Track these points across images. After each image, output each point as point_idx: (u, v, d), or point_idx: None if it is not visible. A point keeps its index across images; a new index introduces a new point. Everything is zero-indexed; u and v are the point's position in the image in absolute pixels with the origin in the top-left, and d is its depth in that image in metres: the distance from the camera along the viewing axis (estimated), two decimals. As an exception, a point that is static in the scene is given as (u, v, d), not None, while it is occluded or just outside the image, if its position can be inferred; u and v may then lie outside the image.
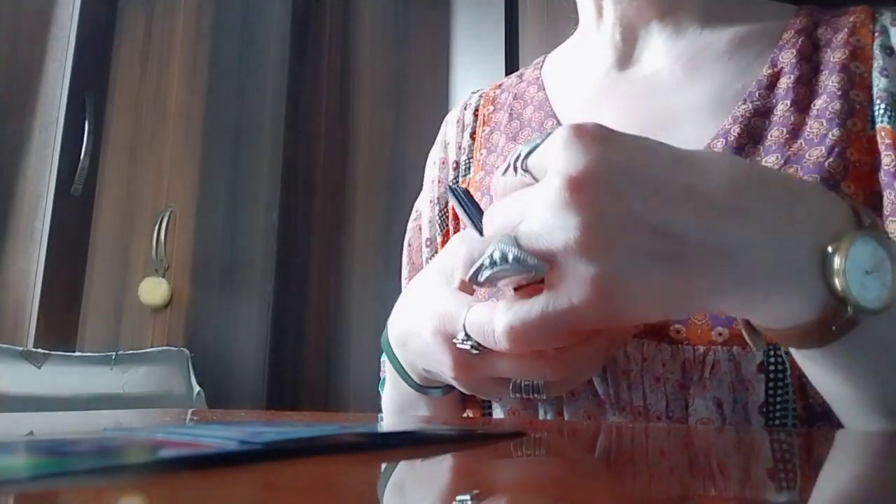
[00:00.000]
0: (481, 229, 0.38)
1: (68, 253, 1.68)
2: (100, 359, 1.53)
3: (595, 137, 0.32)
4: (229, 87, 1.89)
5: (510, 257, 0.32)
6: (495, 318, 0.35)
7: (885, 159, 0.48)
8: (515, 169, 0.35)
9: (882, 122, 0.50)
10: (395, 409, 0.56)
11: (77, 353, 1.58)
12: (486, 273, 0.33)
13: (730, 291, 0.31)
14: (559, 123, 0.64)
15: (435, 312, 0.41)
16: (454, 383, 0.42)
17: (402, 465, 0.21)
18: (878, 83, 0.51)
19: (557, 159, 0.31)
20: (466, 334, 0.38)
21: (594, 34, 0.64)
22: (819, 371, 0.36)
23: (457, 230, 0.70)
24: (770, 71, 0.55)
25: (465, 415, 0.56)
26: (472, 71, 1.73)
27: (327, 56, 1.95)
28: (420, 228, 0.73)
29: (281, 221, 1.78)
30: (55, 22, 1.75)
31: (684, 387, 0.44)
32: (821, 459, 0.26)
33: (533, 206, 0.32)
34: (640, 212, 0.30)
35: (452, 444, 0.26)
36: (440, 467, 0.21)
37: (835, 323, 0.31)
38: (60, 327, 1.65)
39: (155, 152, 1.84)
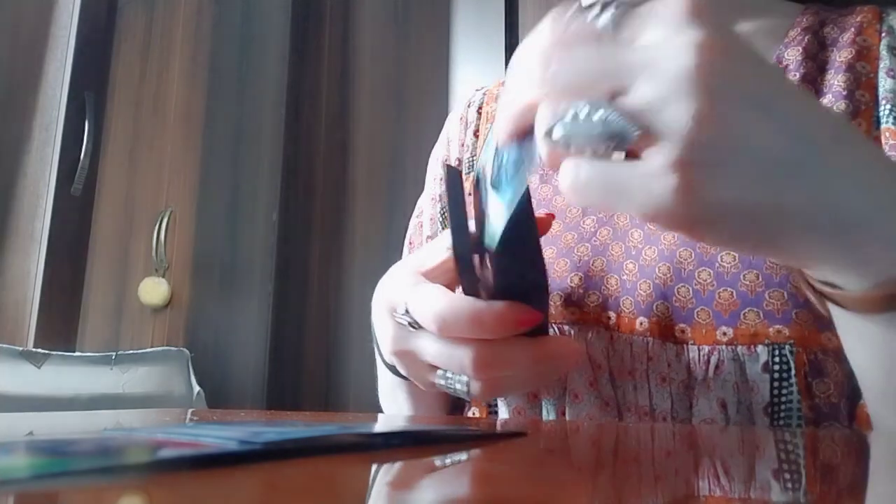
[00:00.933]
0: (462, 220, 0.36)
1: (68, 253, 1.68)
2: (100, 359, 1.53)
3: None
4: (229, 87, 1.89)
5: (600, 115, 0.27)
6: (434, 293, 0.35)
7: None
8: (603, 7, 0.30)
9: (887, 122, 0.49)
10: (383, 393, 0.56)
11: (77, 353, 1.58)
12: (560, 131, 0.28)
13: (829, 229, 0.28)
14: None
15: (392, 286, 0.41)
16: (392, 361, 0.42)
17: (402, 465, 0.21)
18: (885, 83, 0.50)
19: (685, 20, 0.27)
20: (406, 310, 0.37)
21: None
22: (878, 342, 0.32)
23: None
24: None
25: (469, 413, 0.55)
26: (473, 70, 1.73)
27: (327, 56, 1.95)
28: (421, 226, 0.73)
29: (281, 221, 1.77)
30: (55, 22, 1.75)
31: (689, 387, 0.44)
32: (827, 460, 0.25)
33: (645, 68, 0.27)
34: (775, 105, 0.27)
35: (453, 444, 0.26)
36: (440, 467, 0.21)
37: None
38: (60, 327, 1.65)
39: (155, 152, 1.84)
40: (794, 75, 0.53)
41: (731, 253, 0.46)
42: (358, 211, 1.83)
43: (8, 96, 1.67)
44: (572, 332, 0.50)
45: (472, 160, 0.72)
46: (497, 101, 0.74)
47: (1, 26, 1.69)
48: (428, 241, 0.72)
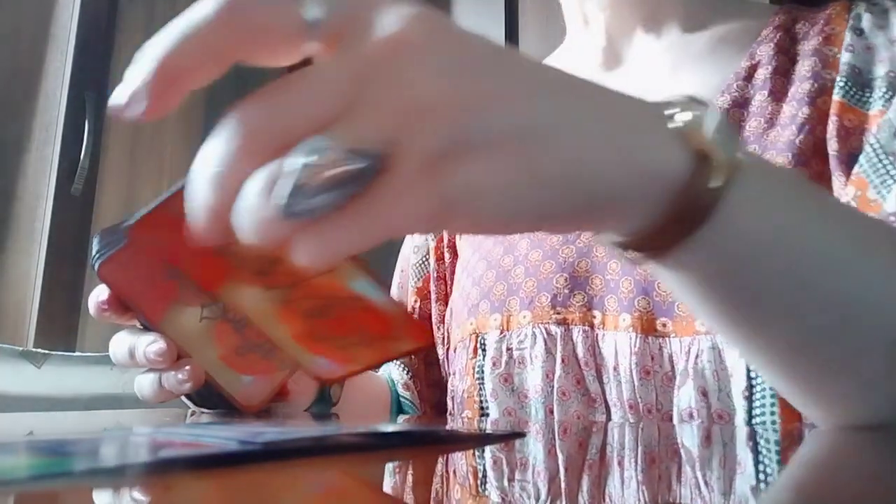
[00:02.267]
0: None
1: (68, 253, 1.68)
2: (100, 359, 1.53)
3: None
4: (229, 87, 1.89)
5: (328, 152, 0.20)
6: None
7: (829, 126, 0.49)
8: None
9: (837, 95, 0.50)
10: None
11: (77, 353, 1.58)
12: (291, 183, 0.20)
13: (572, 173, 0.24)
14: None
15: None
16: None
17: (401, 465, 0.21)
18: (843, 59, 0.52)
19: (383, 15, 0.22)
20: None
21: (581, 39, 0.65)
22: (698, 290, 0.29)
23: (451, 237, 0.70)
24: (748, 63, 0.56)
25: (463, 415, 0.56)
26: (472, 70, 1.72)
27: (327, 56, 1.95)
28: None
29: (281, 221, 1.77)
30: (55, 22, 1.75)
31: (671, 378, 0.46)
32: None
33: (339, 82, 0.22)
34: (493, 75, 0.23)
35: (452, 444, 0.26)
36: (440, 467, 0.21)
37: (704, 185, 0.25)
38: (60, 327, 1.65)
39: (155, 152, 1.84)
40: (767, 69, 0.54)
41: None
42: (358, 211, 1.82)
43: (8, 96, 1.67)
44: (559, 332, 0.51)
45: None
46: None
47: (1, 26, 1.69)
48: (415, 251, 0.73)
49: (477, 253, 0.63)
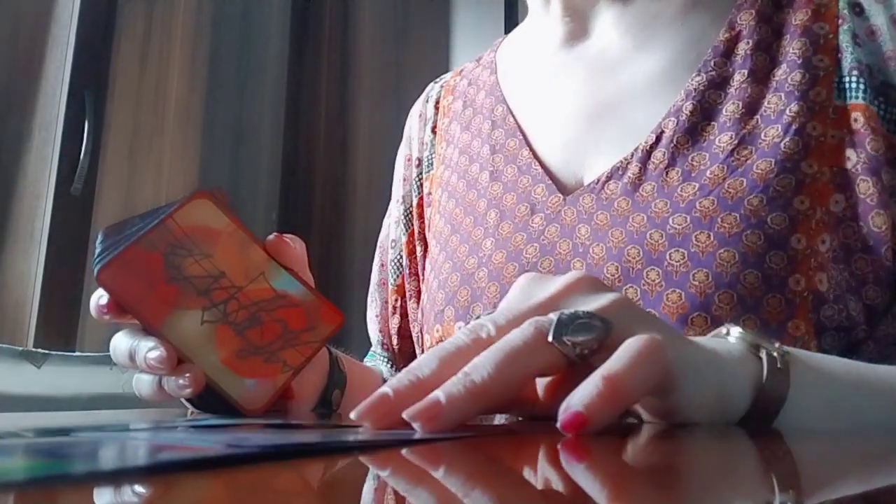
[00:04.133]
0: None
1: (68, 253, 1.68)
2: (100, 359, 1.53)
3: None
4: (229, 86, 1.89)
5: (580, 313, 0.30)
6: None
7: (869, 144, 0.46)
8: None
9: (857, 97, 0.47)
10: None
11: (77, 353, 1.58)
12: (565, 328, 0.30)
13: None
14: (508, 109, 0.63)
15: None
16: None
17: (401, 465, 0.21)
18: (850, 51, 0.48)
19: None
20: None
21: (543, 13, 0.62)
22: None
23: (422, 230, 0.69)
24: (727, 35, 0.52)
25: None
26: (473, 70, 1.72)
27: (327, 54, 1.95)
28: (388, 227, 0.74)
29: (280, 221, 1.77)
30: (55, 21, 1.75)
31: None
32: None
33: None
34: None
35: (448, 444, 0.26)
36: (438, 466, 0.21)
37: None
38: (60, 327, 1.65)
39: (154, 151, 1.84)
40: (748, 42, 0.51)
41: (680, 250, 0.47)
42: (358, 211, 1.82)
43: (8, 96, 1.67)
44: None
45: (431, 158, 0.70)
46: (453, 91, 0.70)
47: (1, 26, 1.69)
48: (392, 245, 0.72)
49: (444, 252, 0.62)
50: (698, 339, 0.35)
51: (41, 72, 1.70)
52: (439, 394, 0.27)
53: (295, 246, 0.46)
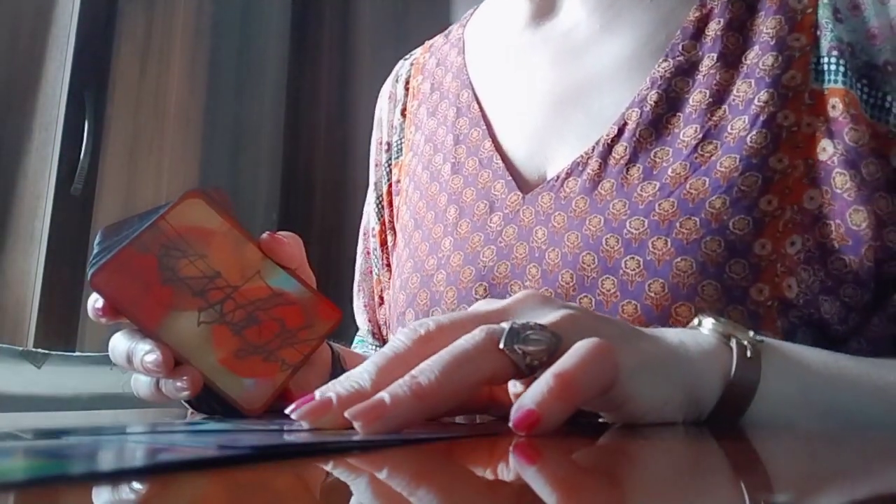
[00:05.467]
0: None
1: (68, 253, 1.68)
2: (100, 359, 1.53)
3: None
4: (229, 87, 1.89)
5: (532, 324, 0.30)
6: None
7: (848, 134, 0.42)
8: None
9: (835, 81, 0.43)
10: None
11: (77, 353, 1.58)
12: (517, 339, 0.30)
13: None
14: (474, 95, 0.60)
15: None
16: None
17: (398, 465, 0.21)
18: (829, 28, 0.44)
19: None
20: None
21: None
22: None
23: (391, 219, 0.68)
24: (697, 14, 0.48)
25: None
26: (472, 70, 1.72)
27: (327, 55, 1.95)
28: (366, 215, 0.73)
29: (281, 221, 1.77)
30: (55, 22, 1.75)
31: None
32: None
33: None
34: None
35: (443, 444, 0.26)
36: (437, 465, 0.21)
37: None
38: (60, 327, 1.65)
39: (155, 152, 1.84)
40: (719, 21, 0.47)
41: (636, 257, 0.44)
42: (358, 211, 1.82)
43: (8, 96, 1.67)
44: None
45: (401, 143, 0.68)
46: (422, 70, 0.67)
47: (1, 26, 1.69)
48: (372, 233, 0.71)
49: (407, 248, 0.61)
50: (666, 334, 0.35)
51: (41, 72, 1.71)
52: (384, 395, 0.27)
53: (291, 243, 0.45)
